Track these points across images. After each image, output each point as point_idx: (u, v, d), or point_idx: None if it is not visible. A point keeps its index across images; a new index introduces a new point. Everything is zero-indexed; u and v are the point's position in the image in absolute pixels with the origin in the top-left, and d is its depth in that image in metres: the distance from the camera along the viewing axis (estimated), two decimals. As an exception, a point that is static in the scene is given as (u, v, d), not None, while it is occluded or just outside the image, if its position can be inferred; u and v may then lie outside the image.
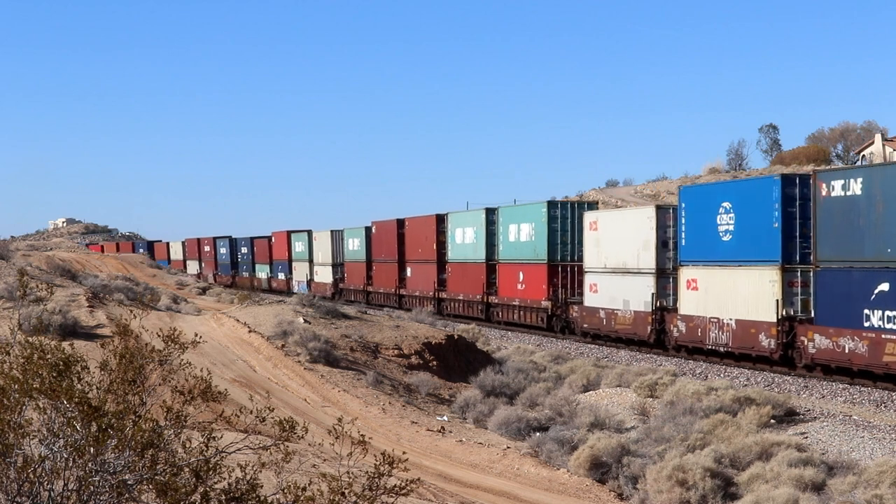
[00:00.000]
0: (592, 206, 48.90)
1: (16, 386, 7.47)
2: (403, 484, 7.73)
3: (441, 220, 58.92)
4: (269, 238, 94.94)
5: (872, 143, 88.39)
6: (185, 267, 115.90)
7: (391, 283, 65.97)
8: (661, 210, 38.10)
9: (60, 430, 7.34)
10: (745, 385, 27.87)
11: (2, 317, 26.28)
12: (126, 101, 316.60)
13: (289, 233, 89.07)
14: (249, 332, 29.36)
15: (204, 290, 71.43)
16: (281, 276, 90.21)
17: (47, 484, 7.25)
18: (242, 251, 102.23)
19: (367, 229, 71.10)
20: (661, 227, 37.19)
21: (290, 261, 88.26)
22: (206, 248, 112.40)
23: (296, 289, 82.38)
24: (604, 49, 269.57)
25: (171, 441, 7.62)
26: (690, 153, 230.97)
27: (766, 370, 31.73)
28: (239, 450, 7.96)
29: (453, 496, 15.92)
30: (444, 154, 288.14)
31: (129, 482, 7.27)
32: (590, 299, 42.38)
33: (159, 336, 8.52)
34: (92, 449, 7.18)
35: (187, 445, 7.62)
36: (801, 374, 30.60)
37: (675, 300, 36.40)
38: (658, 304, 37.14)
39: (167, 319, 31.21)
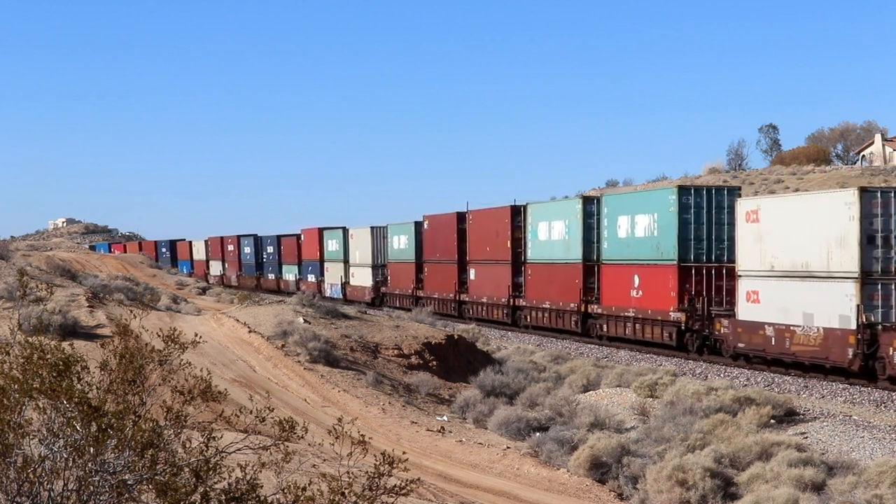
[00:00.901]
0: (734, 191, 38.16)
1: (16, 386, 7.47)
2: (403, 484, 7.72)
3: (517, 212, 48.91)
4: (298, 236, 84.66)
5: (872, 143, 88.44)
6: (207, 267, 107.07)
7: (448, 288, 56.92)
8: (868, 194, 28.52)
9: (60, 430, 7.34)
10: (745, 385, 27.87)
11: (2, 317, 26.27)
12: (126, 101, 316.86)
13: (320, 230, 78.71)
14: (249, 332, 29.36)
15: (204, 290, 71.43)
16: (311, 278, 79.79)
17: (47, 484, 7.25)
18: (268, 251, 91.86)
19: (417, 225, 61.54)
20: (866, 217, 28.03)
21: (321, 261, 78.31)
22: (230, 248, 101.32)
23: (328, 292, 73.06)
24: (604, 49, 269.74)
25: (171, 441, 7.62)
26: (690, 153, 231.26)
27: (765, 370, 31.62)
28: (239, 450, 7.96)
29: (453, 496, 15.92)
30: (442, 154, 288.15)
31: (129, 482, 7.27)
32: (747, 311, 32.77)
33: (159, 336, 8.51)
34: (92, 449, 7.18)
35: (187, 445, 7.62)
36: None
37: (894, 314, 27.74)
38: (864, 319, 27.80)
39: (167, 319, 31.21)
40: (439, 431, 22.26)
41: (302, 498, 7.44)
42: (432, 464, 18.89)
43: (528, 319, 47.76)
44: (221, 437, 8.07)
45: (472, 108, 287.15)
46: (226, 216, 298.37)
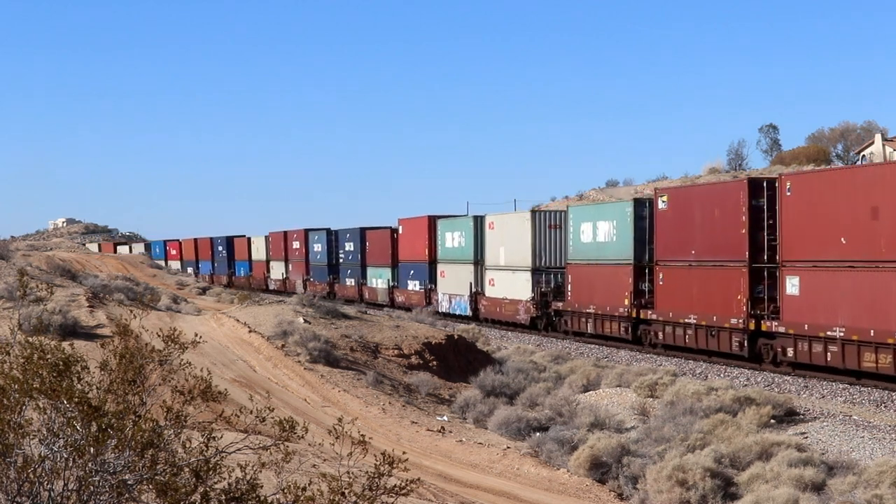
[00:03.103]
0: None
1: (16, 386, 7.48)
2: (403, 484, 7.73)
3: None
4: (393, 230, 64.26)
5: (872, 143, 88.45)
6: (268, 269, 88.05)
7: (722, 308, 33.07)
8: None
9: (60, 430, 7.34)
10: (745, 385, 27.87)
11: (2, 317, 26.29)
12: (126, 101, 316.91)
13: (432, 218, 58.16)
14: (249, 332, 29.38)
15: (204, 290, 71.38)
16: (414, 285, 59.53)
17: (47, 484, 7.25)
18: (346, 248, 71.63)
19: (639, 205, 38.96)
20: None
21: (432, 262, 57.70)
22: (295, 245, 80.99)
23: (444, 306, 54.57)
24: (604, 49, 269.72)
25: (171, 441, 7.63)
26: (690, 153, 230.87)
27: (768, 370, 31.60)
28: (239, 450, 7.96)
29: (453, 496, 15.93)
30: (441, 154, 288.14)
31: (129, 482, 7.28)
32: None
33: (159, 336, 8.53)
34: (92, 449, 7.18)
35: (187, 445, 7.63)
36: (801, 375, 29.28)
37: None
38: None
39: (167, 319, 31.23)
40: (439, 431, 22.27)
41: (302, 498, 7.44)
42: (432, 464, 18.90)
43: None
44: (221, 437, 8.07)
45: (470, 107, 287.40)
46: (228, 216, 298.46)
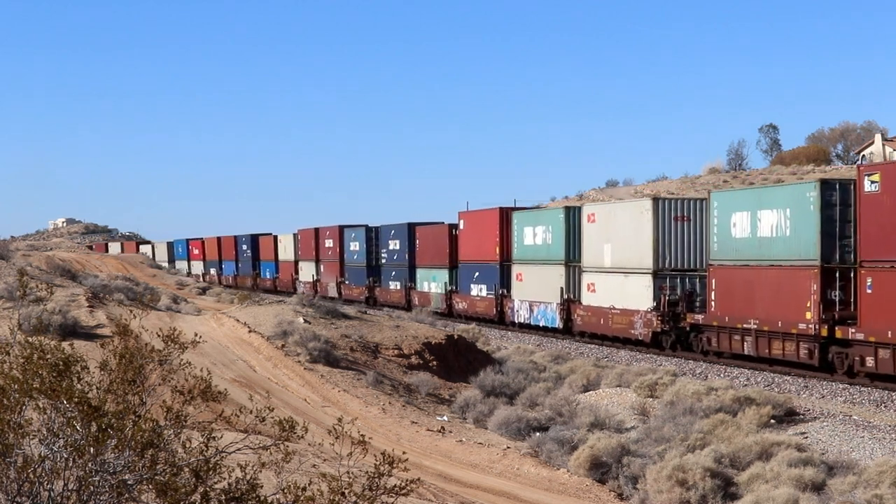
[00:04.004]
0: None
1: (16, 386, 7.48)
2: (403, 484, 7.73)
3: None
4: (452, 225, 55.33)
5: (872, 143, 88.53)
6: (296, 270, 79.86)
7: None
8: None
9: (60, 430, 7.34)
10: (745, 385, 27.88)
11: (2, 317, 26.28)
12: (126, 101, 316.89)
13: (505, 210, 49.29)
14: (249, 332, 29.38)
15: (204, 290, 71.36)
16: (479, 290, 50.49)
17: (47, 484, 7.25)
18: (389, 247, 63.37)
19: (826, 186, 29.28)
20: None
21: (504, 262, 48.39)
22: (328, 243, 73.01)
23: (522, 316, 46.25)
24: (604, 49, 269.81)
25: (171, 441, 7.63)
26: (690, 153, 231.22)
27: (766, 370, 31.60)
28: (239, 450, 7.97)
29: (453, 496, 15.93)
30: (441, 154, 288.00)
31: (129, 482, 7.28)
32: None
33: (159, 336, 8.52)
34: (92, 449, 7.18)
35: (187, 445, 7.63)
36: (800, 374, 29.63)
37: None
38: None
39: (167, 319, 31.22)
40: (439, 431, 22.27)
41: (302, 498, 7.44)
42: (432, 464, 18.90)
43: None
44: (221, 437, 8.07)
45: (469, 107, 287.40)
46: (229, 217, 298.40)
